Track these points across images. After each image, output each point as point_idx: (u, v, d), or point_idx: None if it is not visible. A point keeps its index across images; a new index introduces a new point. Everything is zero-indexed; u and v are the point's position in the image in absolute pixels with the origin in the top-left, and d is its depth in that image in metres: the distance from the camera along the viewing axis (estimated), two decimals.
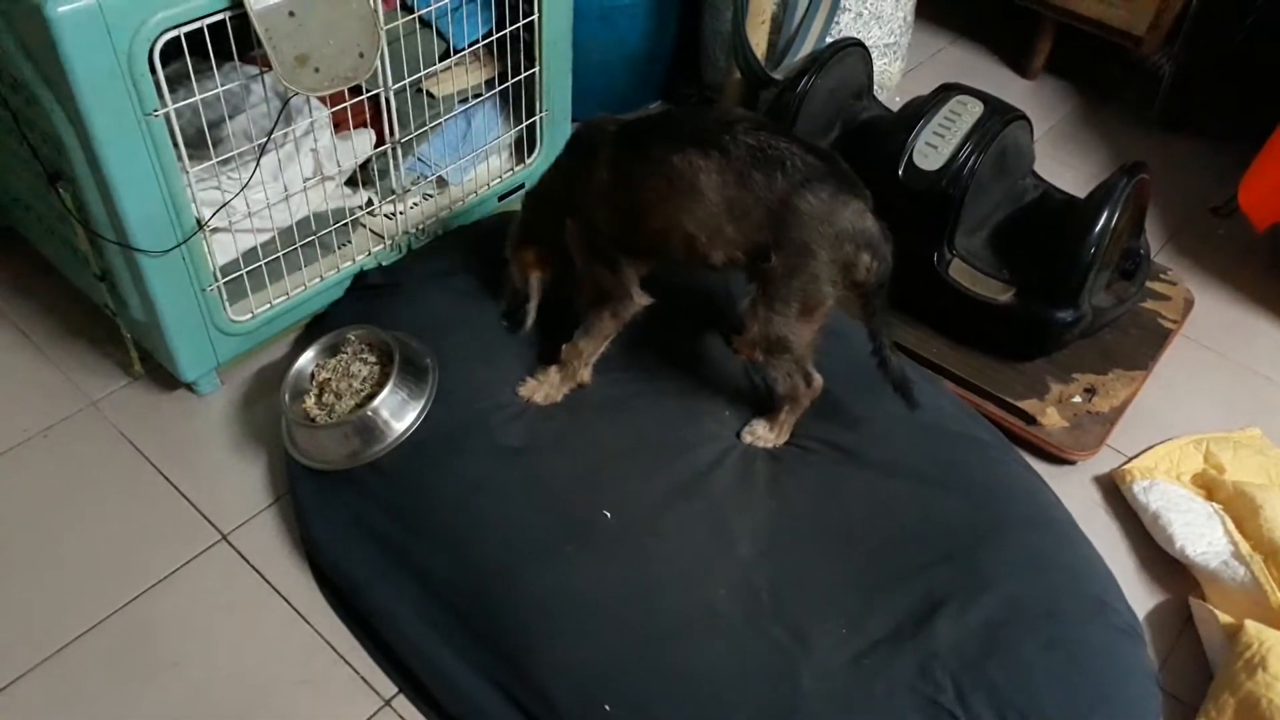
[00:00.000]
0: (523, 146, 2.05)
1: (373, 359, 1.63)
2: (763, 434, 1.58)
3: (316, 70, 1.46)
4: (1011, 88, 2.68)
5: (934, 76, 2.63)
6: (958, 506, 1.50)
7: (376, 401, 1.53)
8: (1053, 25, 2.61)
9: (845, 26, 2.27)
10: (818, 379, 1.55)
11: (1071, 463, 1.75)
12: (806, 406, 1.57)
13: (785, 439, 1.59)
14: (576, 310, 1.60)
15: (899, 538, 1.46)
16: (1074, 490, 1.71)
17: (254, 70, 1.62)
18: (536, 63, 1.91)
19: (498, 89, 1.92)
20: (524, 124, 1.99)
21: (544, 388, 1.60)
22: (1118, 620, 1.40)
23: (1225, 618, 1.47)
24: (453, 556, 1.43)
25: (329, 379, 1.61)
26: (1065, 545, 1.49)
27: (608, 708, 1.28)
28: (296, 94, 1.50)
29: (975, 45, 2.84)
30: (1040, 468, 1.69)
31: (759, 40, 2.02)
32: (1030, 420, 1.74)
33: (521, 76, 1.91)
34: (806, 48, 2.14)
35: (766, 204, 1.38)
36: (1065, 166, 2.41)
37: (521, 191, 2.08)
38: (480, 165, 2.01)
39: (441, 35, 1.86)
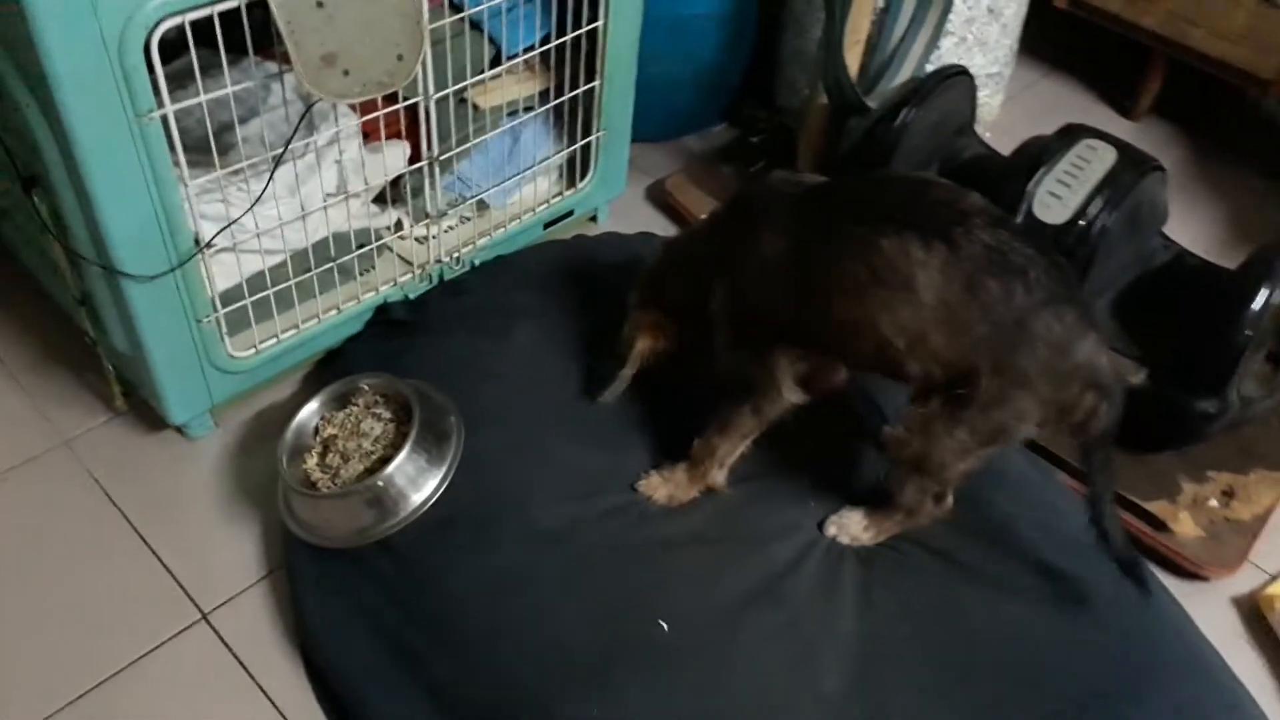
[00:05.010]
0: (575, 168, 1.82)
1: (387, 414, 1.40)
2: (854, 530, 1.33)
3: (346, 73, 1.23)
4: (1112, 128, 2.39)
5: (1027, 112, 2.40)
6: (1091, 639, 1.24)
7: (390, 468, 1.30)
8: (1164, 62, 2.36)
9: (945, 53, 2.03)
10: (950, 500, 1.31)
11: (1205, 579, 1.48)
12: (924, 525, 1.32)
13: (879, 541, 1.34)
14: (695, 388, 1.36)
15: (1019, 676, 1.21)
16: (1210, 614, 1.44)
17: (273, 68, 1.39)
18: (598, 76, 1.69)
19: (551, 103, 1.70)
20: (578, 144, 1.76)
21: (667, 487, 1.35)
22: None
23: None
24: (475, 669, 1.20)
25: (335, 435, 1.38)
26: (1222, 700, 1.22)
27: None
28: (320, 99, 1.27)
29: (1072, 79, 2.58)
30: (1169, 584, 1.43)
31: (850, 62, 1.77)
32: (1160, 526, 1.48)
33: (579, 90, 1.68)
34: (905, 73, 1.89)
35: (995, 320, 1.13)
36: (1173, 221, 2.14)
37: (571, 219, 1.85)
38: (526, 188, 1.79)
39: (492, 40, 1.63)
